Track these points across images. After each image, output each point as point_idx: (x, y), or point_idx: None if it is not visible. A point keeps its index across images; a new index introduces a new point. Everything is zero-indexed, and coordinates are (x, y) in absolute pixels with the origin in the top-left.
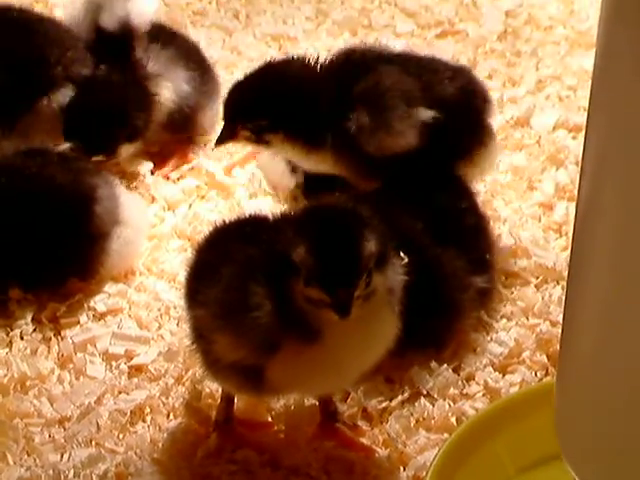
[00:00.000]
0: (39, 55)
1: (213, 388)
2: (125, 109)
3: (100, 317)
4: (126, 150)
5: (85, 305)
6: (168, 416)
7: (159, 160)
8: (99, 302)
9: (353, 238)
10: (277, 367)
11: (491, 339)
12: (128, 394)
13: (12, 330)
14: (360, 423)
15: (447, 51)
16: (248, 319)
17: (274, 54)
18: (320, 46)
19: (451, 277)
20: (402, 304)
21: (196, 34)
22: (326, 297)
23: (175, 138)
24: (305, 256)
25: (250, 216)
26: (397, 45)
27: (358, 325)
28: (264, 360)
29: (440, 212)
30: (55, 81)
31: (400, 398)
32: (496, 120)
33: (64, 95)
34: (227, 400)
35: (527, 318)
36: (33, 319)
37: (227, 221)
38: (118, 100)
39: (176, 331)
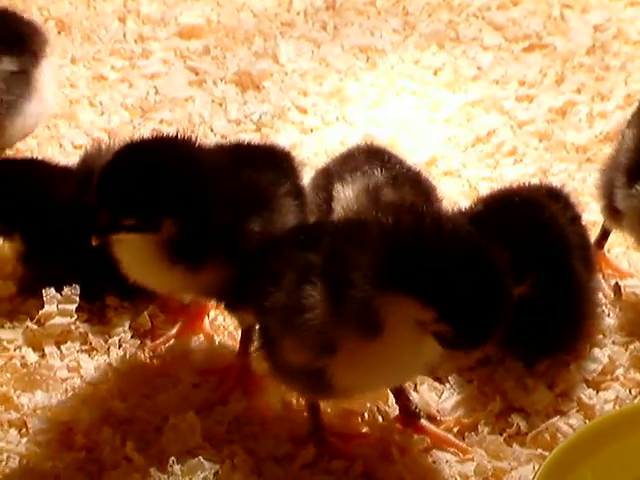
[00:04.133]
0: None
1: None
2: None
3: None
4: None
5: None
6: (262, 425)
7: None
8: None
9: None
10: (339, 367)
11: (585, 356)
12: (225, 405)
13: (110, 337)
14: (452, 435)
15: (535, 65)
16: (304, 322)
17: (362, 66)
18: (408, 58)
19: (581, 288)
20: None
21: (285, 45)
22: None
23: None
24: None
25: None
26: (485, 58)
27: None
28: (325, 362)
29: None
30: None
31: (493, 412)
32: (585, 135)
33: None
34: (311, 409)
35: (621, 335)
36: (130, 327)
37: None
38: None
39: None
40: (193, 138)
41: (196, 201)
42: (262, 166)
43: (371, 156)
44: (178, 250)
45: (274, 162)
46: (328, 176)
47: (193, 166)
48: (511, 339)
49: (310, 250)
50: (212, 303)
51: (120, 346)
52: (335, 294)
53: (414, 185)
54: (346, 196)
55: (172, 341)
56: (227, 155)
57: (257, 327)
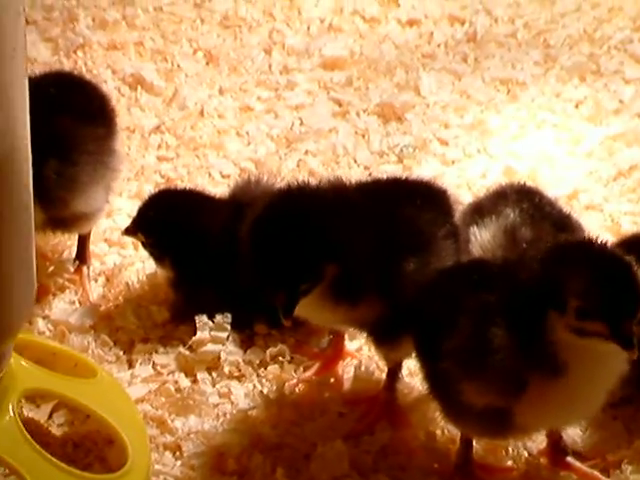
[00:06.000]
0: None
1: (450, 429)
2: None
3: None
4: None
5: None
6: (408, 455)
7: None
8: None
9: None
10: (525, 406)
11: None
12: (371, 435)
13: (259, 365)
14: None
15: None
16: (492, 363)
17: (503, 98)
18: (548, 91)
19: None
20: None
21: (427, 77)
22: (606, 329)
23: None
24: (585, 289)
25: (470, 263)
26: (627, 91)
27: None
28: (512, 401)
29: None
30: None
31: (639, 450)
32: None
33: None
34: (466, 443)
35: None
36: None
37: (447, 270)
38: None
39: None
40: (336, 178)
41: (352, 244)
42: (422, 205)
43: (522, 196)
44: (339, 291)
45: (433, 201)
46: (477, 213)
47: (342, 211)
48: None
49: (485, 290)
50: (349, 350)
51: (269, 374)
52: (523, 335)
53: (560, 226)
54: (482, 237)
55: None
56: (385, 192)
57: (425, 370)
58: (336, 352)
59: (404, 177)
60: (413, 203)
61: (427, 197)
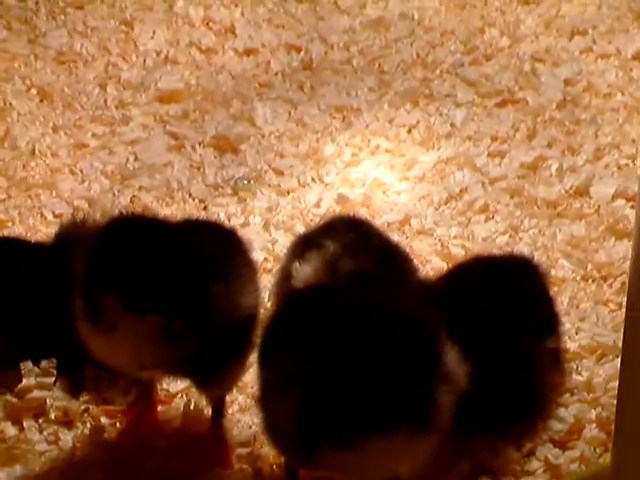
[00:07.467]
0: None
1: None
2: None
3: None
4: None
5: None
6: None
7: None
8: None
9: None
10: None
11: (552, 415)
12: (200, 475)
13: (88, 409)
14: None
15: (507, 120)
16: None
17: (338, 125)
18: (382, 116)
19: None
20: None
21: (262, 107)
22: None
23: None
24: None
25: (320, 292)
26: (458, 115)
27: None
28: None
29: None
30: None
31: (462, 472)
32: (556, 189)
33: None
34: (290, 476)
35: (587, 393)
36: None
37: (303, 292)
38: None
39: None
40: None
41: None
42: (212, 242)
43: (349, 227)
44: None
45: (224, 239)
46: (303, 246)
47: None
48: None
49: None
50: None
51: (97, 418)
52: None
53: (385, 257)
54: (304, 271)
55: None
56: (178, 232)
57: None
58: (149, 404)
59: (193, 220)
60: (193, 242)
61: (217, 236)
